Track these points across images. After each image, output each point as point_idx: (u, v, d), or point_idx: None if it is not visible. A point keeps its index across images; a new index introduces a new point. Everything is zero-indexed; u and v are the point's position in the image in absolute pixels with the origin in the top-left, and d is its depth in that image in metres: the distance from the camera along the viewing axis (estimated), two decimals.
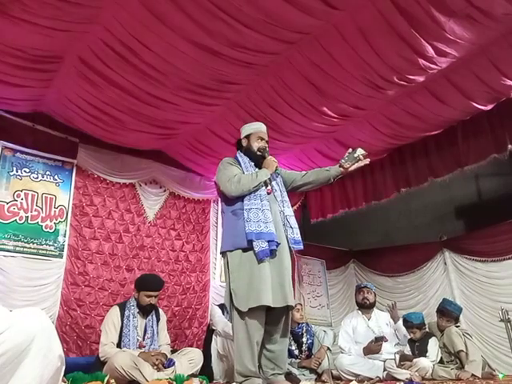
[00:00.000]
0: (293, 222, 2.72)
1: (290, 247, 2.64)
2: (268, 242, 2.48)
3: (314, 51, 3.36)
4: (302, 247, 2.71)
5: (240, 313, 2.48)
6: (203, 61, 3.33)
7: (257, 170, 2.74)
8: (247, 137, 2.89)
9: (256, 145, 2.83)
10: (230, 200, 2.69)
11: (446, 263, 5.81)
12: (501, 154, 4.34)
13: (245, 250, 2.54)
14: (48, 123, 4.40)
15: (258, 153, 2.81)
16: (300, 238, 2.71)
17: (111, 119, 4.12)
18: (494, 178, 6.14)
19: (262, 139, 2.87)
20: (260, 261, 2.47)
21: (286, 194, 2.82)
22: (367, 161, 2.83)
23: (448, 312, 3.86)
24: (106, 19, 3.03)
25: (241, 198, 2.62)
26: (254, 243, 2.47)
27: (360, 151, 2.77)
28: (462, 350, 3.55)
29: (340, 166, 2.80)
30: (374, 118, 4.31)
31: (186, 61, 3.33)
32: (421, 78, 3.66)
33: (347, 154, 2.79)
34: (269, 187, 2.72)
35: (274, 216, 2.61)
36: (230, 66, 3.39)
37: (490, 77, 3.72)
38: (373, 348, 3.78)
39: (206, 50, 3.21)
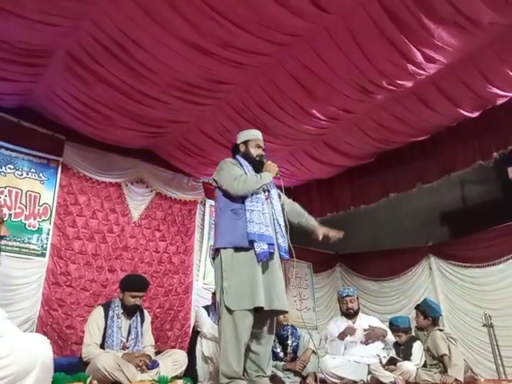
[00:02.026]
0: (284, 231, 2.75)
1: (280, 254, 2.68)
2: (268, 244, 2.52)
3: (305, 54, 3.38)
4: (288, 257, 2.75)
5: (230, 312, 2.46)
6: (194, 59, 3.32)
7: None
8: (245, 143, 2.92)
9: (254, 151, 2.88)
10: (230, 199, 2.69)
11: (431, 268, 5.87)
12: (486, 160, 4.42)
13: (237, 249, 2.54)
14: (34, 119, 4.33)
15: (257, 158, 2.86)
16: (287, 249, 2.74)
17: (100, 116, 4.07)
18: (478, 185, 6.24)
19: (259, 147, 2.92)
20: (259, 262, 2.49)
21: (280, 203, 2.87)
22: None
23: (419, 310, 3.97)
24: (97, 15, 3.00)
25: (242, 199, 2.65)
26: (256, 244, 2.49)
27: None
28: (446, 354, 3.58)
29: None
30: (363, 121, 4.35)
31: (177, 59, 3.32)
32: (409, 84, 3.70)
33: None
34: (266, 193, 2.76)
35: (270, 221, 2.65)
36: (221, 65, 3.38)
37: (477, 84, 3.79)
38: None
39: (198, 48, 3.20)
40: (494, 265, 5.18)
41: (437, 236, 6.21)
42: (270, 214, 2.69)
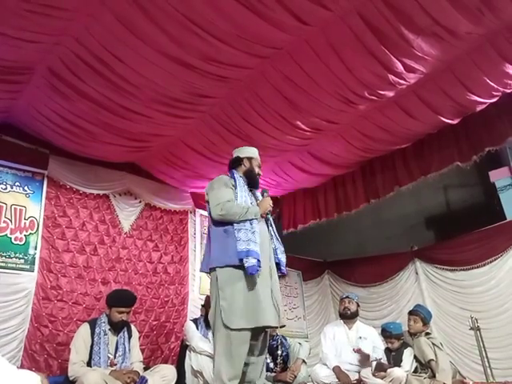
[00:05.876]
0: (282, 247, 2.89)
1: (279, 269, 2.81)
2: (256, 260, 2.53)
3: (287, 66, 3.41)
4: (285, 273, 2.93)
5: (228, 329, 2.47)
6: (177, 74, 3.33)
7: (252, 202, 2.81)
8: (249, 159, 2.98)
9: (257, 170, 2.98)
10: None
11: (417, 273, 5.91)
12: (464, 163, 4.50)
13: (235, 267, 2.57)
14: (17, 134, 4.28)
15: (257, 177, 2.96)
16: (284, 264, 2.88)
17: (82, 132, 4.04)
18: (461, 189, 6.35)
19: (259, 167, 3.03)
20: (251, 277, 2.52)
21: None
22: None
23: (419, 316, 3.96)
24: (78, 31, 2.99)
25: None
26: (244, 259, 2.52)
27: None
28: (433, 359, 3.61)
29: None
30: (347, 131, 4.40)
31: (160, 73, 3.32)
32: (391, 93, 3.76)
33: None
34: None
35: (262, 238, 2.69)
36: (204, 79, 3.39)
37: (456, 92, 3.87)
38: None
39: (180, 63, 3.21)
40: (478, 267, 5.24)
41: (422, 240, 6.28)
42: (263, 232, 2.75)
